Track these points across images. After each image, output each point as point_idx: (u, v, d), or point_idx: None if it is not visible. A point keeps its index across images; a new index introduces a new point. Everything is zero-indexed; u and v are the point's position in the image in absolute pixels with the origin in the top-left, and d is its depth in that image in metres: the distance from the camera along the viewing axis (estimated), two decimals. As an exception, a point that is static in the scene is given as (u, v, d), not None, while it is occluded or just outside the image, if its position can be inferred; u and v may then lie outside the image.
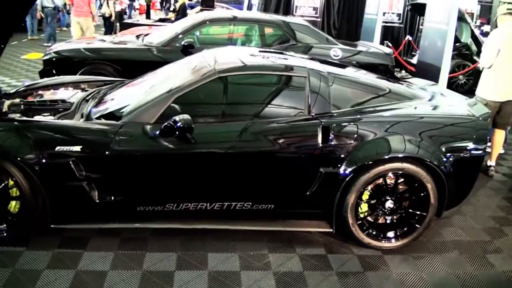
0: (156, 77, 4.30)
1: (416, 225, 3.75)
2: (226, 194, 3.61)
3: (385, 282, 3.41)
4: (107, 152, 3.39)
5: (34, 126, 3.51)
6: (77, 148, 3.39)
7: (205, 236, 3.76)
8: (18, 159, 3.31)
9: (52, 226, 3.49)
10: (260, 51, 4.68)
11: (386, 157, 3.54)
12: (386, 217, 3.76)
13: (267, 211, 3.68)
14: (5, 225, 3.47)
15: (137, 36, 7.40)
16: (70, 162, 3.37)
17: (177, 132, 3.35)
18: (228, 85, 3.79)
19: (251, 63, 4.05)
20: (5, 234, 3.47)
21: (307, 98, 3.74)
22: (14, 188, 3.43)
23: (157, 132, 3.44)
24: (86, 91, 4.61)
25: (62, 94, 4.40)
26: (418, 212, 3.72)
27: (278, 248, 3.73)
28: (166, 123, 3.38)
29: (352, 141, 3.60)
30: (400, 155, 3.56)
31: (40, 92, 4.60)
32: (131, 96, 3.99)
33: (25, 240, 3.57)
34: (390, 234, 3.77)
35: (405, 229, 3.77)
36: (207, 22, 7.06)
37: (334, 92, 3.85)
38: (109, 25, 13.62)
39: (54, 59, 6.55)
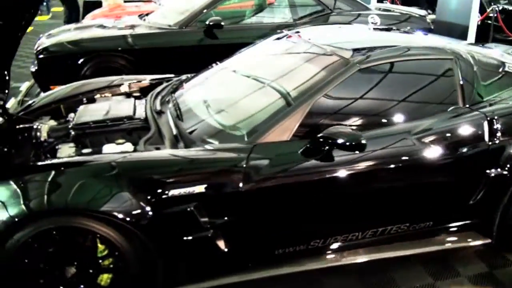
0: (235, 73, 3.37)
1: None
2: (382, 217, 2.84)
3: None
4: (241, 188, 2.49)
5: (125, 164, 2.55)
6: (201, 188, 2.48)
7: (349, 272, 2.98)
8: (115, 214, 2.36)
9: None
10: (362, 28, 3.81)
11: None
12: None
13: (424, 231, 2.95)
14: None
15: (140, 16, 6.25)
16: (192, 208, 2.45)
17: (344, 150, 2.51)
18: (372, 79, 2.94)
19: (388, 47, 3.17)
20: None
21: (459, 86, 2.97)
22: (106, 254, 2.47)
23: (303, 152, 2.58)
24: (139, 98, 3.60)
25: (116, 106, 3.35)
26: None
27: (440, 273, 3.05)
28: (317, 140, 2.53)
29: None
30: None
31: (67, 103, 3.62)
32: (224, 103, 3.07)
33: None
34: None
35: None
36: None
37: (479, 74, 3.10)
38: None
39: (47, 56, 5.36)
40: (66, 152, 2.88)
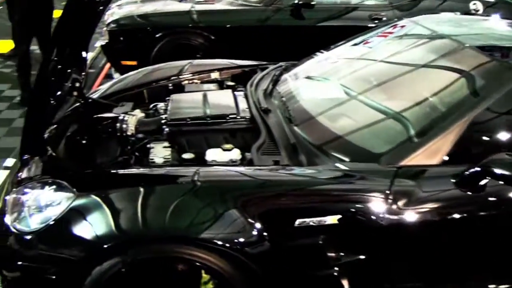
0: (357, 68, 2.83)
1: None
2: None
3: None
4: (381, 220, 1.97)
5: (237, 183, 2.08)
6: (334, 219, 1.98)
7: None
8: (221, 242, 1.91)
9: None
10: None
11: None
12: None
13: None
14: None
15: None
16: (320, 242, 1.95)
17: None
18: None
19: None
20: None
21: None
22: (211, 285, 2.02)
23: (458, 182, 2.06)
24: (233, 88, 3.10)
25: (213, 99, 2.86)
26: None
27: None
28: (479, 169, 1.97)
29: None
30: None
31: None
32: (351, 107, 2.57)
33: None
34: None
35: None
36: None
37: None
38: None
39: (117, 29, 4.91)
40: (160, 153, 2.43)
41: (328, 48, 3.35)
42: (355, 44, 3.23)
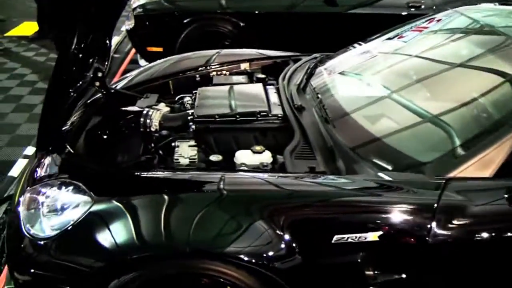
0: (401, 63, 2.61)
1: None
2: None
3: None
4: (428, 238, 1.77)
5: (266, 192, 1.89)
6: (374, 235, 1.79)
7: None
8: (247, 258, 1.73)
9: None
10: None
11: None
12: None
13: None
14: None
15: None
16: (358, 260, 1.76)
17: None
18: None
19: None
20: None
21: None
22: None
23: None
24: (264, 81, 2.91)
25: (243, 93, 2.68)
26: None
27: None
28: None
29: None
30: None
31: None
32: (395, 108, 2.35)
33: None
34: None
35: None
36: None
37: None
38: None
39: (143, 14, 4.73)
40: (186, 153, 2.26)
41: (366, 40, 3.12)
42: (393, 37, 3.00)
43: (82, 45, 2.18)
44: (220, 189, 1.84)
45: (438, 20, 2.92)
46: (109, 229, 1.76)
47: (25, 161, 3.56)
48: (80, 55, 2.24)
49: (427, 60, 2.56)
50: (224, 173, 1.94)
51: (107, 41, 2.54)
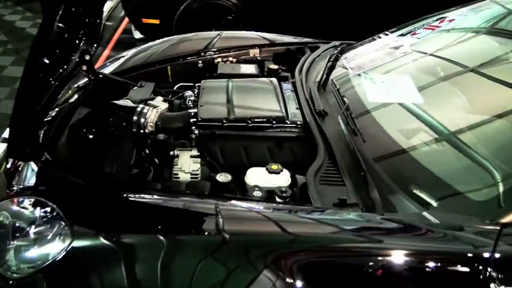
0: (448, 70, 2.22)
1: None
2: None
3: None
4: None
5: (275, 238, 1.51)
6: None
7: None
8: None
9: None
10: None
11: None
12: None
13: None
14: None
15: None
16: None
17: None
18: None
19: None
20: None
21: None
22: None
23: None
24: (278, 72, 2.54)
25: (254, 91, 2.29)
26: None
27: None
28: None
29: None
30: None
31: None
32: (442, 132, 1.95)
33: None
34: None
35: None
36: None
37: None
38: None
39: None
40: (187, 166, 1.89)
41: (395, 29, 2.73)
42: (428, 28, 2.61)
43: (67, 23, 1.75)
44: (220, 230, 1.47)
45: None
46: (86, 278, 1.40)
47: (4, 145, 3.17)
48: (65, 35, 1.82)
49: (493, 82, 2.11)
50: (229, 205, 1.58)
51: (98, 23, 2.13)
